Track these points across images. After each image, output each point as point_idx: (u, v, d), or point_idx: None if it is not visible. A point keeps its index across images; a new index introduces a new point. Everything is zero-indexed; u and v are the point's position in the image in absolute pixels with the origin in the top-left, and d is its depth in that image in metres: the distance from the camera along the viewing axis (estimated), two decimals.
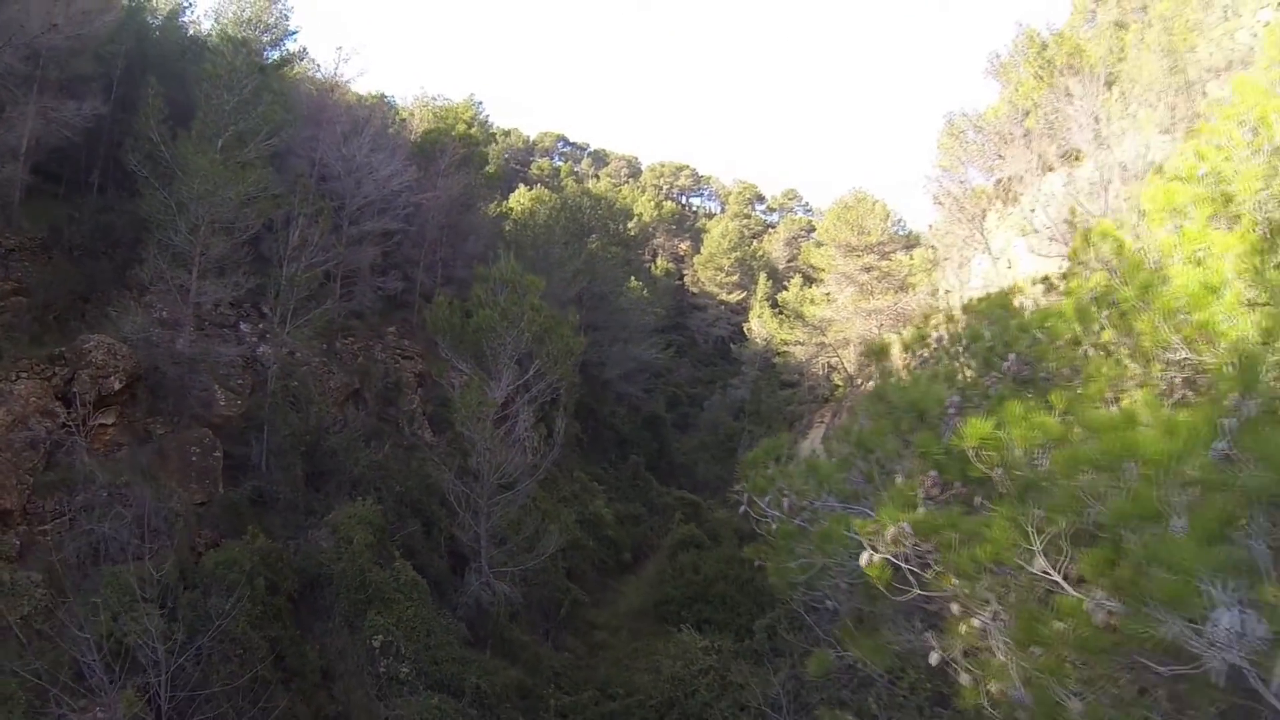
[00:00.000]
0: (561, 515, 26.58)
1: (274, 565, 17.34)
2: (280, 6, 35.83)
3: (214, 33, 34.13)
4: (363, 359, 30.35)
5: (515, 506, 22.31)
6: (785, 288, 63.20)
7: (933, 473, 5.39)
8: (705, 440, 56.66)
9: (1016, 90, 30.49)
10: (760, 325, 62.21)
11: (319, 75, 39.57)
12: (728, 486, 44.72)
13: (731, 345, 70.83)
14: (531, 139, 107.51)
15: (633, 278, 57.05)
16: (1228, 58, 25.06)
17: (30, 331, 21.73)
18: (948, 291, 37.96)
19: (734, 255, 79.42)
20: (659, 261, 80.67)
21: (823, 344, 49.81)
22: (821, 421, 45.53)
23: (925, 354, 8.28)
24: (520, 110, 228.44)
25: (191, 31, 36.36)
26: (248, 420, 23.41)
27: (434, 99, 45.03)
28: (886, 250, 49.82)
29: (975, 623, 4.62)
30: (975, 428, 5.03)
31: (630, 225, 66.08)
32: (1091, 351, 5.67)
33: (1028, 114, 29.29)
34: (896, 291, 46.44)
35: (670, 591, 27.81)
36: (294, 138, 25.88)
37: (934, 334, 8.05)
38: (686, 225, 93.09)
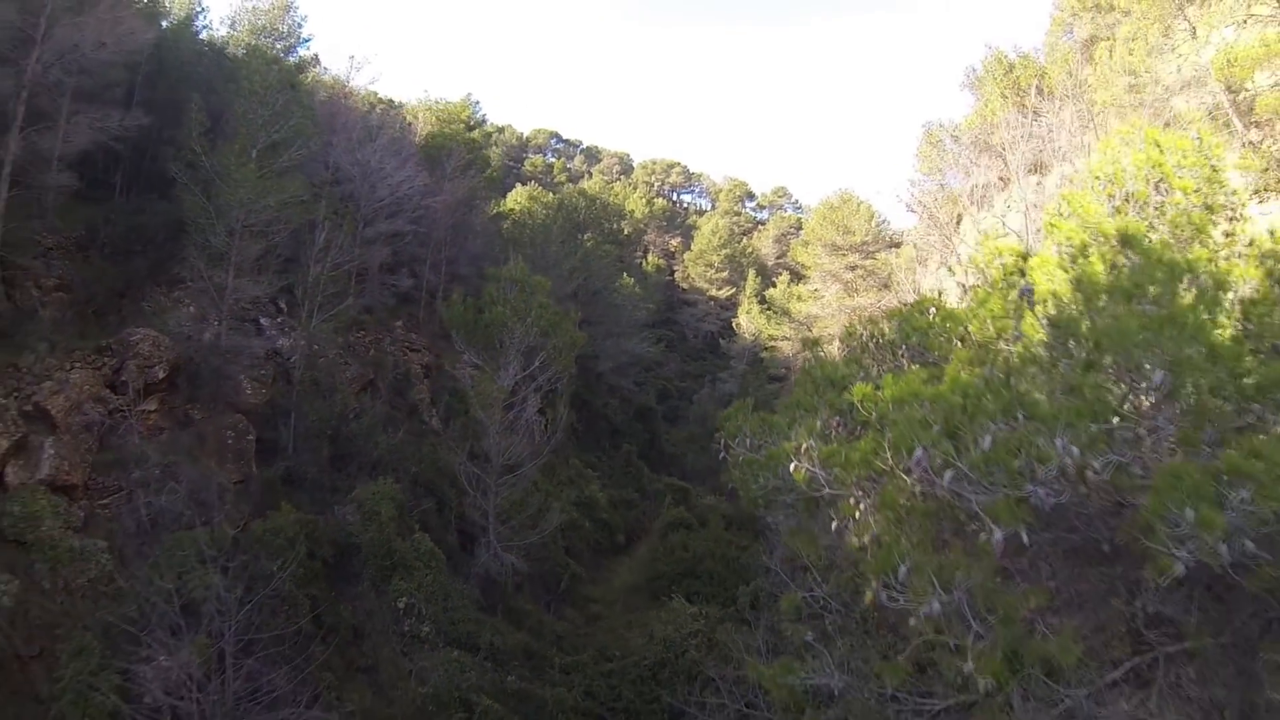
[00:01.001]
0: (562, 496, 28.64)
1: (311, 534, 19.40)
2: (293, 16, 37.60)
3: (230, 39, 35.97)
4: (375, 352, 32.34)
5: (521, 487, 24.37)
6: (774, 284, 65.21)
7: (836, 418, 7.74)
8: (694, 432, 58.54)
9: (986, 105, 32.72)
10: (749, 321, 64.22)
11: (326, 76, 41.48)
12: (716, 476, 46.97)
13: (720, 340, 72.82)
14: (525, 136, 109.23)
15: (625, 274, 59.04)
16: (1190, 76, 27.23)
17: (73, 325, 23.65)
18: (927, 290, 40.11)
19: (724, 252, 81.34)
20: (650, 258, 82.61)
21: (808, 339, 51.83)
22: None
23: (854, 345, 10.71)
24: (514, 107, 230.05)
25: (204, 36, 38.08)
26: (272, 408, 25.38)
27: (436, 101, 46.89)
28: (870, 250, 51.94)
29: (862, 505, 6.94)
30: (859, 389, 7.52)
31: (623, 224, 67.99)
32: (960, 344, 7.89)
33: (997, 128, 31.50)
34: (880, 289, 48.49)
35: (662, 568, 29.86)
36: (313, 144, 27.79)
37: (861, 332, 10.42)
38: (677, 222, 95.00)
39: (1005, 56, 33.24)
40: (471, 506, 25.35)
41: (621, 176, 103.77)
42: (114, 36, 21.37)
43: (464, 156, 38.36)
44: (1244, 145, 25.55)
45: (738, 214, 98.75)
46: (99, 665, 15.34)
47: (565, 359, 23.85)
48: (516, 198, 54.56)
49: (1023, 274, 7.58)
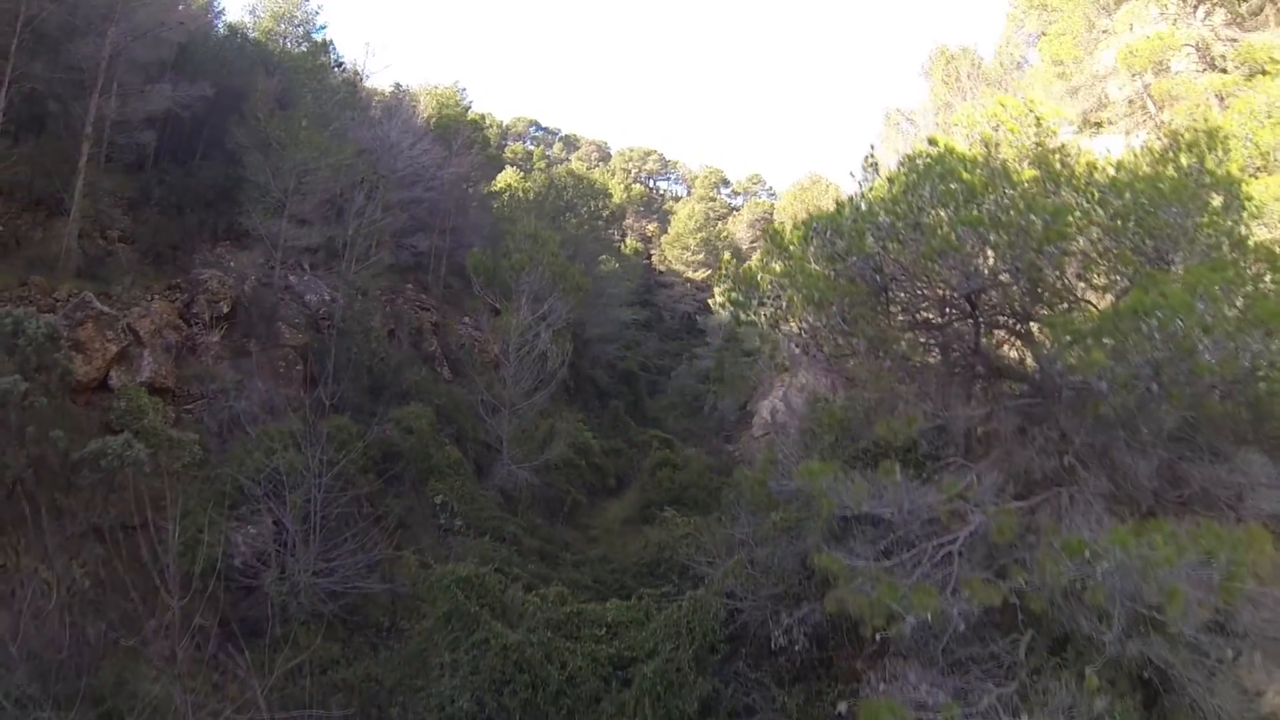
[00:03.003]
0: (566, 422, 32.35)
1: (363, 437, 22.94)
2: (309, 5, 40.82)
3: (255, 25, 39.21)
4: (391, 308, 35.81)
5: (534, 410, 28.05)
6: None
7: (783, 254, 11.58)
8: (674, 401, 62.42)
9: (934, 92, 36.85)
10: (725, 298, 67.81)
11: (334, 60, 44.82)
12: (696, 438, 50.72)
13: (697, 318, 76.54)
14: (505, 124, 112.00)
15: (606, 254, 62.71)
16: (1114, 66, 31.36)
17: (139, 270, 26.97)
18: None
19: (699, 235, 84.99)
20: (628, 241, 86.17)
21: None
22: (781, 384, 51.59)
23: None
24: (494, 94, 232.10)
25: (222, 21, 41.19)
26: (307, 349, 28.85)
27: (435, 86, 50.46)
28: None
29: (796, 294, 10.86)
30: (792, 233, 11.20)
31: (607, 202, 71.50)
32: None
33: (941, 111, 35.61)
34: None
35: (651, 497, 33.49)
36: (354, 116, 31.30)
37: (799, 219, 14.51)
38: (654, 208, 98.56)
39: (947, 49, 37.43)
40: (487, 432, 28.99)
41: (599, 164, 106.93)
42: (188, 16, 24.70)
43: (469, 135, 41.93)
44: (1156, 124, 29.77)
45: (713, 200, 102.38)
46: (206, 522, 18.80)
47: (574, 299, 27.58)
48: (505, 177, 58.12)
49: (875, 166, 11.96)
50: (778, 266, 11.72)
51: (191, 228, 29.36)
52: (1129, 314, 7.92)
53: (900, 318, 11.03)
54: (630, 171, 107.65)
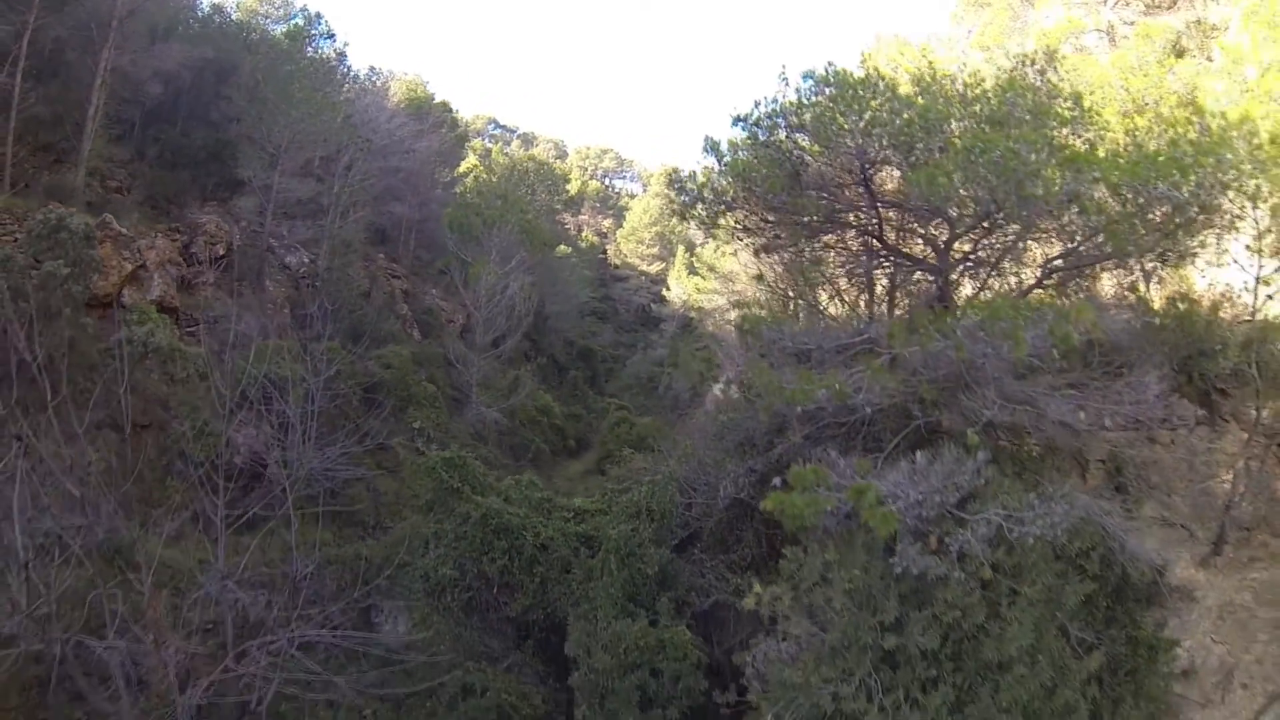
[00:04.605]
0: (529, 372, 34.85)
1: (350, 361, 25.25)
2: None
3: (239, 5, 41.34)
4: (365, 272, 38.02)
5: (501, 359, 30.52)
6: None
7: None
8: (629, 383, 65.04)
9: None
10: (679, 287, 70.44)
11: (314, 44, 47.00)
12: (650, 414, 53.33)
13: (651, 307, 79.10)
14: (465, 120, 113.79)
15: (563, 244, 65.22)
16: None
17: (140, 213, 28.93)
18: None
19: (654, 229, 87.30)
20: (585, 234, 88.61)
21: (734, 292, 58.37)
22: (732, 370, 54.45)
23: None
24: (452, 92, 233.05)
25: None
26: (291, 300, 31.02)
27: (404, 74, 53.04)
28: None
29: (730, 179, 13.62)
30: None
31: (566, 188, 73.99)
32: None
33: None
34: None
35: (611, 448, 35.96)
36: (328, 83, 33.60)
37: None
38: (610, 204, 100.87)
39: (883, 36, 41.00)
40: (455, 387, 31.36)
41: (557, 160, 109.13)
42: None
43: (438, 115, 44.40)
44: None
45: (669, 196, 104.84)
46: (206, 422, 20.94)
47: (540, 252, 30.17)
48: (469, 163, 60.55)
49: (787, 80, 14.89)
50: (713, 164, 14.37)
51: (185, 183, 31.40)
52: (964, 151, 10.72)
53: (814, 195, 13.74)
54: (587, 169, 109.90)
